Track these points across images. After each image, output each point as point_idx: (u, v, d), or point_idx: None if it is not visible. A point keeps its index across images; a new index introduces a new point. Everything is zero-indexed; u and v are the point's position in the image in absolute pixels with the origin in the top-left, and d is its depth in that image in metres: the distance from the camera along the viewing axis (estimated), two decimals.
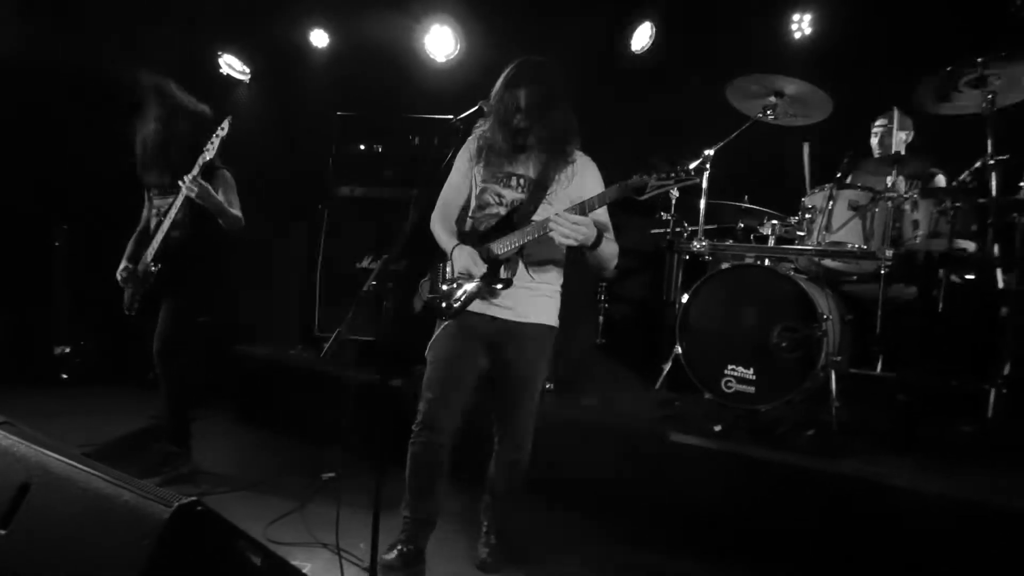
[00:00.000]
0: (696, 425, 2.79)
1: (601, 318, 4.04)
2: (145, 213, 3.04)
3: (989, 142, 2.77)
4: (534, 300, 2.15)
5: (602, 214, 2.08)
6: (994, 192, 2.75)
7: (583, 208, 1.93)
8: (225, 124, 2.76)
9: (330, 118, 4.26)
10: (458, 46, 4.54)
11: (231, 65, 5.03)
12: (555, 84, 2.09)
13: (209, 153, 2.73)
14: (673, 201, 3.56)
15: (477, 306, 2.14)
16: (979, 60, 2.69)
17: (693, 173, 1.79)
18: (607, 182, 2.00)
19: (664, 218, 3.62)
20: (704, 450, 2.61)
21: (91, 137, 4.41)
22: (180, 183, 2.69)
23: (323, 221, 4.08)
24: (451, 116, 2.20)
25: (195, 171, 2.70)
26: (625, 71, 4.36)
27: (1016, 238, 2.78)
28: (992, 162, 2.74)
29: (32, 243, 4.36)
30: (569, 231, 1.87)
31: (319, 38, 4.90)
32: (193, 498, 1.04)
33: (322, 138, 4.35)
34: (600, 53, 4.34)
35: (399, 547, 2.16)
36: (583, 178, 2.13)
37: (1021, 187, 2.82)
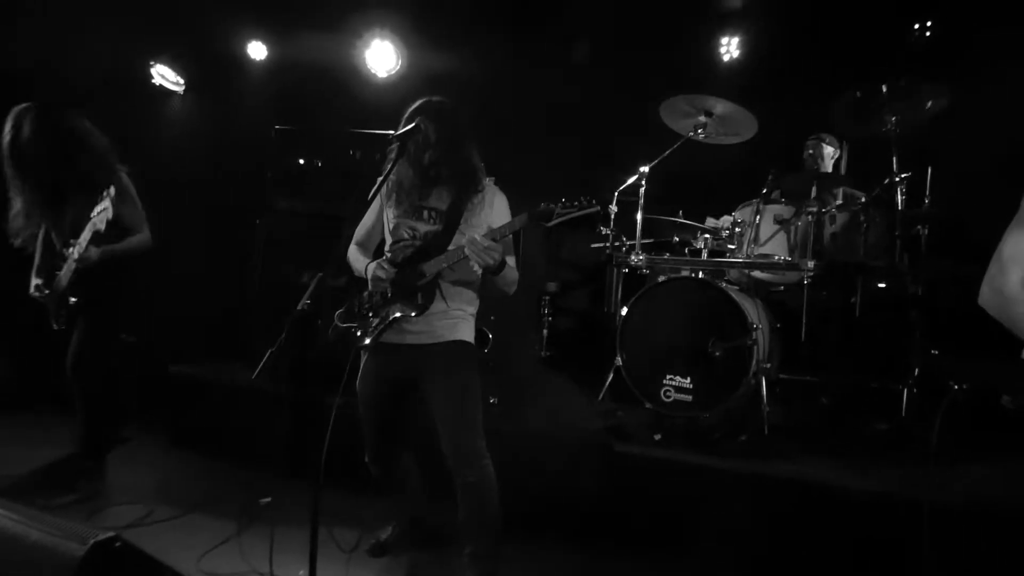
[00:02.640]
0: (638, 434, 2.87)
1: (545, 331, 4.08)
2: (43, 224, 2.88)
3: (894, 160, 3.00)
4: (448, 323, 2.21)
5: (507, 242, 2.18)
6: (900, 206, 2.97)
7: (496, 235, 2.04)
8: (107, 195, 2.56)
9: (268, 131, 4.17)
10: (400, 61, 4.54)
11: (164, 75, 4.86)
12: (461, 120, 2.21)
13: (100, 223, 2.55)
14: (612, 216, 3.65)
15: (392, 336, 2.20)
16: (883, 87, 2.92)
17: (594, 202, 1.95)
18: (538, 199, 2.09)
19: (604, 232, 3.72)
20: (646, 458, 2.68)
21: None
22: (67, 251, 2.62)
23: (260, 235, 3.97)
24: (392, 131, 2.22)
25: (83, 239, 2.58)
26: (565, 88, 4.46)
27: (921, 248, 3.01)
28: (897, 179, 2.96)
29: None
30: (483, 255, 1.98)
31: (257, 50, 4.80)
32: (111, 533, 1.00)
33: (259, 151, 4.25)
34: (540, 70, 4.43)
35: (376, 537, 2.51)
36: (492, 207, 2.23)
37: (926, 202, 3.06)
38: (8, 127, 2.67)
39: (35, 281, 2.81)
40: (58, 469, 2.91)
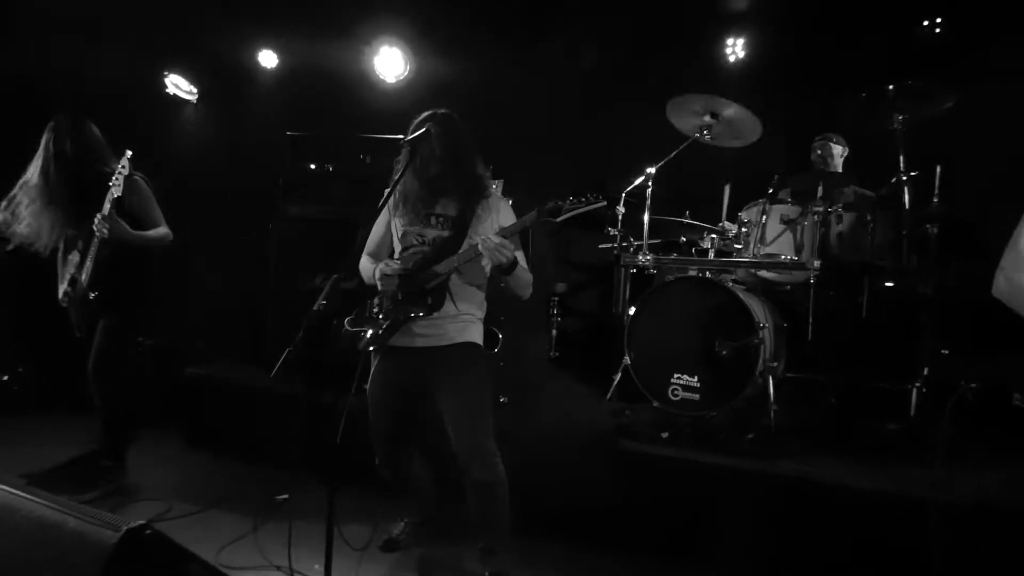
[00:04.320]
0: (645, 433, 2.89)
1: (554, 332, 4.13)
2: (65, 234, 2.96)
3: (901, 159, 3.01)
4: (457, 325, 2.26)
5: (516, 242, 2.21)
6: (907, 205, 2.98)
7: (506, 232, 2.09)
8: (125, 161, 2.75)
9: (280, 137, 4.25)
10: (408, 67, 4.61)
11: (178, 85, 4.97)
12: (464, 131, 2.26)
13: (116, 190, 2.71)
14: (619, 217, 3.69)
15: (402, 340, 2.24)
16: (890, 87, 2.93)
17: (601, 198, 1.99)
18: (546, 199, 2.13)
19: (612, 233, 3.75)
20: (653, 456, 2.71)
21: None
22: (93, 225, 2.69)
23: (273, 240, 4.05)
24: (402, 136, 2.27)
25: (105, 209, 2.69)
26: (572, 91, 4.51)
27: (929, 247, 3.02)
28: (905, 178, 2.97)
29: None
30: (495, 252, 2.03)
31: (268, 59, 4.89)
32: (142, 522, 1.05)
33: (272, 158, 4.33)
34: (547, 74, 4.48)
35: (389, 533, 2.55)
36: (498, 211, 2.28)
37: (934, 200, 3.07)
38: (49, 136, 2.79)
39: (63, 288, 2.90)
40: (80, 467, 3.00)
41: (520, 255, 2.24)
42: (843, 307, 3.25)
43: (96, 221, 2.67)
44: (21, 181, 2.81)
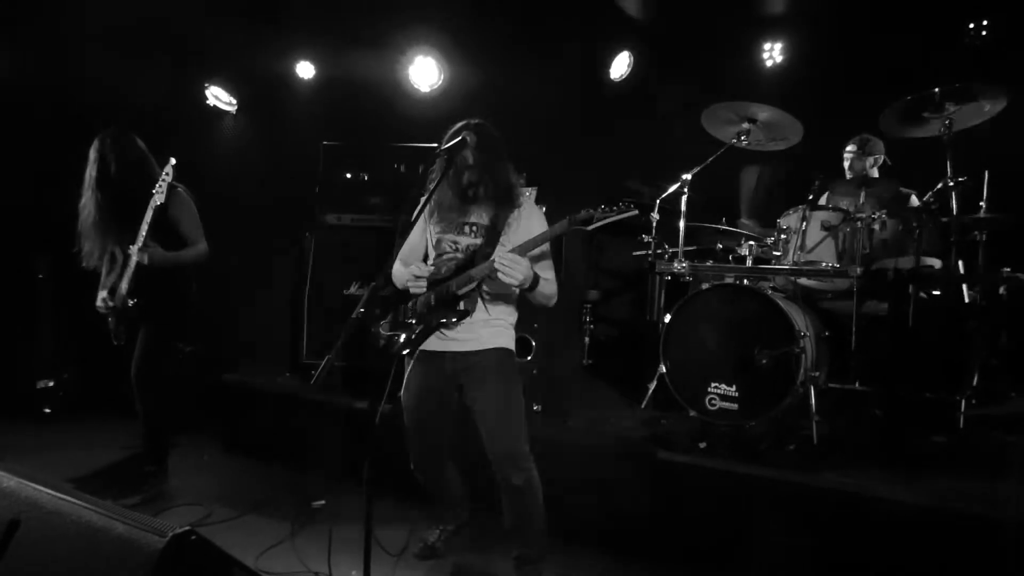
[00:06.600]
0: (682, 443, 2.84)
1: (587, 339, 4.09)
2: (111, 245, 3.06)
3: (948, 164, 2.90)
4: (491, 330, 2.27)
5: (546, 253, 2.24)
6: (955, 211, 2.87)
7: (524, 249, 2.08)
8: (169, 168, 2.83)
9: (316, 147, 4.32)
10: (442, 76, 4.66)
11: (218, 96, 5.11)
12: (497, 141, 2.26)
13: (159, 198, 2.80)
14: (654, 224, 3.64)
15: (436, 344, 2.26)
16: (936, 90, 2.83)
17: (632, 206, 1.97)
18: (580, 208, 2.11)
19: (646, 240, 3.71)
20: (690, 467, 2.65)
21: (75, 167, 4.43)
22: (129, 252, 2.79)
23: (309, 248, 4.11)
24: (435, 145, 2.29)
25: (142, 234, 2.77)
26: (605, 99, 4.49)
27: (978, 255, 2.90)
28: (952, 184, 2.86)
29: (14, 275, 4.34)
30: (509, 270, 2.02)
31: (305, 70, 5.00)
32: (187, 527, 1.07)
33: (308, 167, 4.41)
34: (580, 82, 4.47)
35: (424, 541, 2.54)
36: (530, 219, 2.28)
37: (981, 206, 2.95)
38: (95, 152, 2.89)
39: (101, 294, 2.97)
40: (123, 472, 3.08)
41: (548, 264, 2.25)
42: (888, 315, 3.14)
43: (135, 252, 2.76)
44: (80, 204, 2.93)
